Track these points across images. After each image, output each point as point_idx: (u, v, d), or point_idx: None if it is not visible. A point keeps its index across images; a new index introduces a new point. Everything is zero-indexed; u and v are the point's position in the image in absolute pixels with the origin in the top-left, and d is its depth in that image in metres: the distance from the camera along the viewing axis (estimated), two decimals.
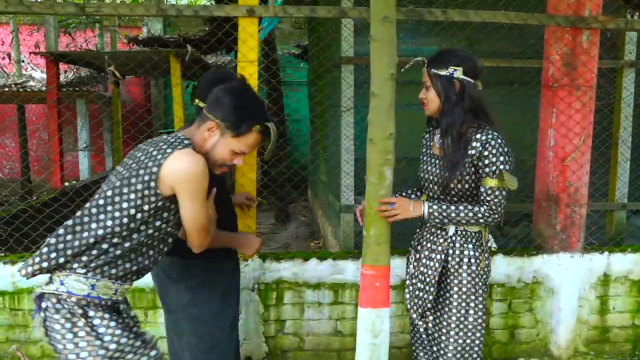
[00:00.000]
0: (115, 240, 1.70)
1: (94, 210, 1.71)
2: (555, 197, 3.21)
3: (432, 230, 2.35)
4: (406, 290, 2.46)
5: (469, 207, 2.20)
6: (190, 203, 1.74)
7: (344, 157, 4.41)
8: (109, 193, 1.71)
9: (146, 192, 1.69)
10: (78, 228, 1.69)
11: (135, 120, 7.66)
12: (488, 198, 2.16)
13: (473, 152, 2.15)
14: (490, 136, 2.14)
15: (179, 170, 1.69)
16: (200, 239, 1.87)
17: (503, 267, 3.21)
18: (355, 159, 4.44)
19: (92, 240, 1.68)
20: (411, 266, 2.44)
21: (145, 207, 1.71)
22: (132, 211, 1.69)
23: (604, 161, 4.73)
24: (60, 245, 1.67)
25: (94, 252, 1.69)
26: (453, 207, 2.21)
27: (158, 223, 1.77)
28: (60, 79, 8.26)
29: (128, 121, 7.58)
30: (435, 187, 2.30)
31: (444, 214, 2.21)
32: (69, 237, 1.67)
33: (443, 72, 2.18)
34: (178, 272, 2.25)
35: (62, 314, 1.65)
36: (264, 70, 8.06)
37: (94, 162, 8.52)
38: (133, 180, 1.70)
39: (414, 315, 2.42)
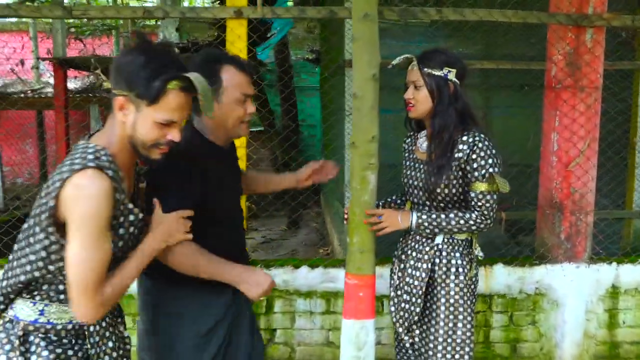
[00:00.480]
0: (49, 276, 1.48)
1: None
2: (559, 204, 3.05)
3: (418, 238, 2.23)
4: (391, 303, 2.33)
5: (460, 214, 2.08)
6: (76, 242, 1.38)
7: (347, 162, 4.32)
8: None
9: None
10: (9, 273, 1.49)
11: None
12: (479, 203, 2.06)
13: (460, 155, 2.05)
14: (477, 138, 2.04)
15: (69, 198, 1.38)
16: (85, 301, 1.40)
17: (503, 277, 3.06)
18: None
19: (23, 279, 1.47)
20: (395, 277, 2.32)
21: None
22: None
23: (623, 167, 4.53)
24: None
25: (33, 285, 1.49)
26: (443, 216, 2.10)
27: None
28: (77, 85, 8.40)
29: None
30: (421, 193, 2.19)
31: (434, 223, 2.10)
32: (3, 282, 1.49)
33: (437, 72, 2.07)
34: (153, 295, 1.92)
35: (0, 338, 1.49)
36: (279, 76, 8.04)
37: None
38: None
39: (400, 329, 2.29)
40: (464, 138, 2.05)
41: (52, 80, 8.72)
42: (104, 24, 8.27)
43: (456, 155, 2.05)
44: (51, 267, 1.44)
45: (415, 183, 2.20)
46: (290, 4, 7.47)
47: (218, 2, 5.40)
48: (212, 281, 1.81)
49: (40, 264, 1.43)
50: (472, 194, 2.06)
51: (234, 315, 1.96)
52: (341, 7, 2.85)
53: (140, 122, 1.45)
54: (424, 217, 2.11)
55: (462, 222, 2.08)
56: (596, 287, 3.10)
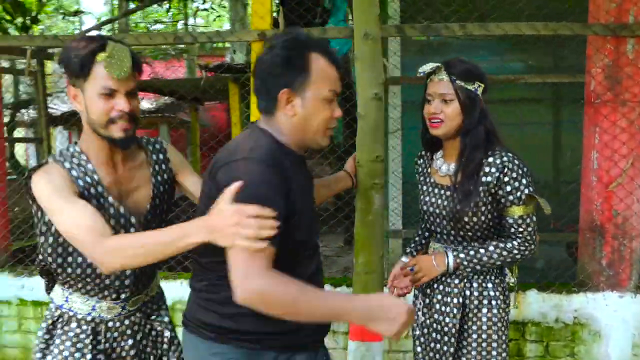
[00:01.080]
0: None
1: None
2: (599, 227, 2.83)
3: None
4: (416, 343, 2.09)
5: (500, 245, 1.90)
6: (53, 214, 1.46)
7: (391, 180, 4.27)
8: None
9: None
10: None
11: (215, 144, 8.03)
12: (520, 229, 1.87)
13: (489, 179, 1.86)
14: (506, 159, 1.85)
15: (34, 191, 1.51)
16: (90, 249, 1.40)
17: (537, 305, 2.88)
18: (403, 182, 4.28)
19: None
20: (420, 313, 2.09)
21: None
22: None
23: None
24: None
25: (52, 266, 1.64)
26: (483, 250, 1.90)
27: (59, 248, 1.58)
28: (150, 105, 8.94)
29: (207, 145, 7.95)
30: (445, 222, 1.96)
31: (475, 260, 1.90)
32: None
33: (470, 86, 1.89)
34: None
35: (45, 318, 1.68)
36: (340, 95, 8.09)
37: None
38: None
39: None
40: (490, 160, 1.87)
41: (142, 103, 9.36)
42: (175, 49, 8.81)
43: (484, 180, 1.87)
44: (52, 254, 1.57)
45: (438, 211, 1.99)
46: (350, 23, 7.56)
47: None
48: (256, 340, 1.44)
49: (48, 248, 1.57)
50: (510, 220, 1.88)
51: None
52: (332, 27, 2.83)
53: (87, 102, 1.49)
54: (462, 255, 1.91)
55: (505, 253, 1.89)
56: None
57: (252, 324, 1.42)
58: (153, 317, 1.76)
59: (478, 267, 1.90)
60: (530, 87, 4.20)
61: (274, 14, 3.60)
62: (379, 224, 2.22)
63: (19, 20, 4.22)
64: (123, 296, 1.65)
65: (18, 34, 3.96)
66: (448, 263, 1.90)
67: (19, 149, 11.28)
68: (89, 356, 1.63)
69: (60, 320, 1.65)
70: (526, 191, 1.84)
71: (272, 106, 1.48)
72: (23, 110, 7.79)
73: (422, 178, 2.11)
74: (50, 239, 1.55)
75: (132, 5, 6.57)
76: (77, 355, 1.62)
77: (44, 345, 1.65)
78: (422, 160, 2.12)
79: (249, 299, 1.27)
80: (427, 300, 2.05)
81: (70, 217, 1.42)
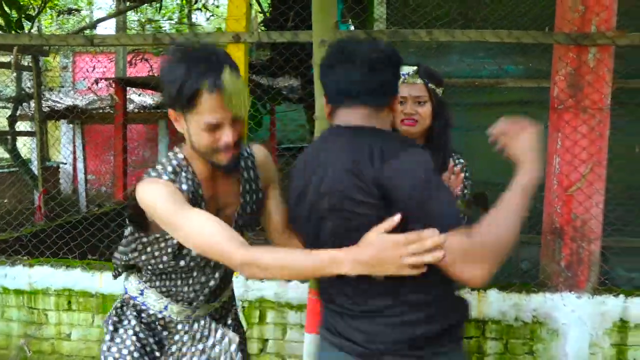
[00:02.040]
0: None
1: None
2: (559, 230, 2.92)
3: None
4: None
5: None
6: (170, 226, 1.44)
7: None
8: None
9: None
10: None
11: None
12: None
13: (466, 174, 2.00)
14: (462, 161, 2.03)
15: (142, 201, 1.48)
16: (227, 254, 1.36)
17: (498, 304, 2.97)
18: None
19: None
20: None
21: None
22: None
23: None
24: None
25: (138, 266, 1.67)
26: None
27: (144, 256, 1.62)
28: (150, 101, 9.08)
29: None
30: None
31: None
32: None
33: (438, 90, 2.01)
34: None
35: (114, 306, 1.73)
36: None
37: None
38: None
39: None
40: (461, 160, 2.02)
41: (134, 97, 9.52)
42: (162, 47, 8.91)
43: (461, 176, 1.93)
44: (133, 255, 1.61)
45: None
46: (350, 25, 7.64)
47: (263, 23, 5.68)
48: None
49: (128, 250, 1.62)
50: None
51: None
52: (306, 31, 2.92)
53: (191, 132, 1.45)
54: None
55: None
56: (601, 320, 2.91)
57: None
58: (220, 321, 1.78)
59: None
60: (505, 91, 4.27)
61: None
62: None
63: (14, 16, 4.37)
64: (195, 303, 1.68)
65: (10, 30, 4.10)
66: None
67: (23, 142, 11.48)
68: (156, 338, 1.70)
69: (131, 309, 1.70)
70: (469, 190, 2.00)
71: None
72: (26, 104, 8.00)
73: None
74: (157, 253, 1.57)
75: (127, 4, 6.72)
76: (146, 332, 1.68)
77: (117, 319, 1.70)
78: None
79: None
80: None
81: (203, 229, 1.38)
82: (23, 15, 4.49)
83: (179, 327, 1.68)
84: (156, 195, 1.43)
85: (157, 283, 1.66)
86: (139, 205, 1.47)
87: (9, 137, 6.60)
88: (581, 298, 2.91)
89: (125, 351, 1.64)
